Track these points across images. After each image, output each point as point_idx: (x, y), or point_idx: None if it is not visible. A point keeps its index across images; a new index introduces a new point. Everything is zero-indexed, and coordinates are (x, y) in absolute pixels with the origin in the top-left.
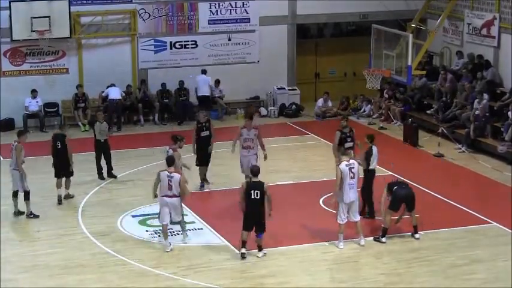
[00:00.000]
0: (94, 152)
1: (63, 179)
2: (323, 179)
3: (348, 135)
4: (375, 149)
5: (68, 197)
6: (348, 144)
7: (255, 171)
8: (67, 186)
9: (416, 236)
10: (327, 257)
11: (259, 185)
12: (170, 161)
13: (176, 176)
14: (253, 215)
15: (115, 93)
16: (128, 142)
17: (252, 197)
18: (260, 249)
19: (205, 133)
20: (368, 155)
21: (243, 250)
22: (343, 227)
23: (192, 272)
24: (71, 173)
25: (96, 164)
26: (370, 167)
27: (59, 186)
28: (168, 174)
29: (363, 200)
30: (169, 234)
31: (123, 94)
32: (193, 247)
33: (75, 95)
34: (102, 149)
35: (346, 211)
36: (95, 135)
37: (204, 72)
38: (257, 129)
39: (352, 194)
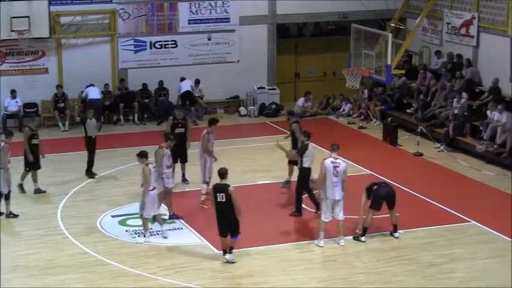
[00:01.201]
0: (86, 150)
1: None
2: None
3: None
4: (310, 146)
5: (38, 192)
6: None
7: (222, 172)
8: (34, 179)
9: (396, 234)
10: (305, 256)
11: (224, 188)
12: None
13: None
14: (222, 219)
15: (94, 93)
16: (108, 142)
17: (218, 199)
18: (230, 250)
19: (180, 130)
20: (302, 152)
21: (224, 259)
22: (324, 224)
23: (172, 272)
24: (31, 165)
25: (90, 161)
26: (304, 165)
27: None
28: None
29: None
30: (150, 234)
31: (102, 94)
32: (173, 247)
33: (55, 95)
34: (94, 146)
35: (330, 209)
36: (86, 132)
37: (183, 79)
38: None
39: (336, 193)
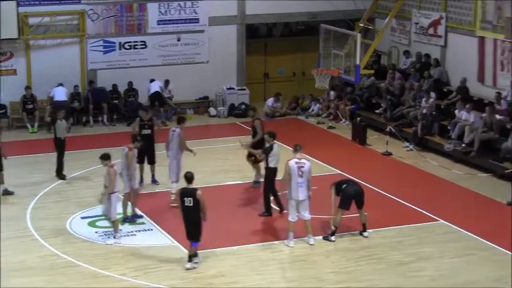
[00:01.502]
0: (55, 151)
1: None
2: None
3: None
4: (276, 146)
5: (6, 193)
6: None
7: (189, 177)
8: (0, 181)
9: (365, 234)
10: (276, 256)
11: (192, 192)
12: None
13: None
14: (189, 223)
15: (60, 95)
16: (77, 143)
17: (186, 204)
18: (190, 259)
19: (146, 131)
20: (267, 152)
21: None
22: (293, 225)
23: (142, 273)
24: None
25: (59, 163)
26: (270, 165)
27: None
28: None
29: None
30: (120, 235)
31: (69, 95)
32: (143, 248)
33: (23, 96)
34: (63, 147)
35: (296, 209)
36: (55, 133)
37: (152, 81)
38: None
39: (300, 193)
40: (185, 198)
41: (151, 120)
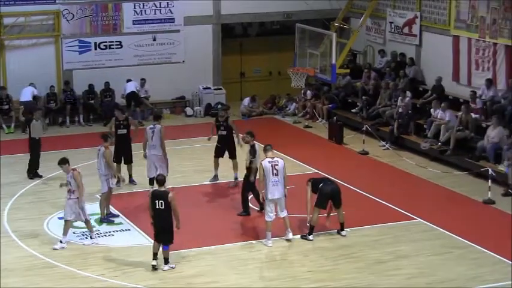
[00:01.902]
0: (28, 152)
1: None
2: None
3: (222, 123)
4: (256, 145)
5: None
6: (221, 132)
7: (160, 179)
8: None
9: (343, 233)
10: (254, 255)
11: (164, 195)
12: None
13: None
14: (159, 226)
15: (25, 95)
16: (54, 143)
17: (157, 206)
18: (166, 261)
19: (122, 131)
20: (254, 153)
21: (153, 262)
22: (271, 224)
23: (120, 273)
24: None
25: (32, 163)
26: (252, 165)
27: None
28: None
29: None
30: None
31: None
32: (121, 248)
33: None
34: (38, 147)
35: (273, 208)
36: (29, 133)
37: (129, 80)
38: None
39: (276, 192)
40: (156, 201)
41: (127, 120)
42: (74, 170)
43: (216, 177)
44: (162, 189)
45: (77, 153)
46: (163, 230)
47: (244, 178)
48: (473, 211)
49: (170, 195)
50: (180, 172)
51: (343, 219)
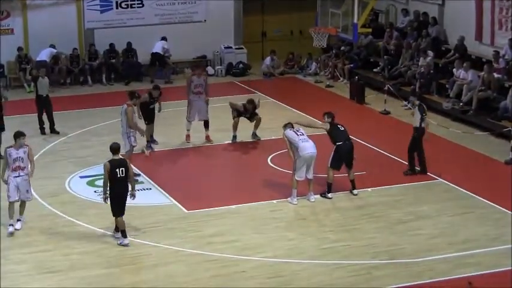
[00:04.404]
0: (36, 107)
1: None
2: (271, 137)
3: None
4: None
5: None
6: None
7: (114, 148)
8: None
9: (355, 192)
10: (275, 215)
11: (123, 162)
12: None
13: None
14: (121, 197)
15: (41, 55)
16: (75, 103)
17: (118, 175)
18: (123, 234)
19: (153, 106)
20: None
21: (126, 241)
22: (298, 183)
23: (140, 232)
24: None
25: (38, 119)
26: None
27: None
28: None
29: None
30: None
31: (56, 54)
32: (142, 207)
33: (18, 56)
34: (44, 104)
35: (304, 169)
36: (37, 90)
37: (163, 39)
38: (206, 76)
39: (309, 147)
40: (117, 170)
41: (160, 95)
42: (26, 145)
43: (235, 137)
44: (117, 157)
45: (99, 112)
46: (123, 199)
47: (412, 138)
48: (495, 171)
49: (128, 161)
50: (202, 132)
51: (353, 177)
